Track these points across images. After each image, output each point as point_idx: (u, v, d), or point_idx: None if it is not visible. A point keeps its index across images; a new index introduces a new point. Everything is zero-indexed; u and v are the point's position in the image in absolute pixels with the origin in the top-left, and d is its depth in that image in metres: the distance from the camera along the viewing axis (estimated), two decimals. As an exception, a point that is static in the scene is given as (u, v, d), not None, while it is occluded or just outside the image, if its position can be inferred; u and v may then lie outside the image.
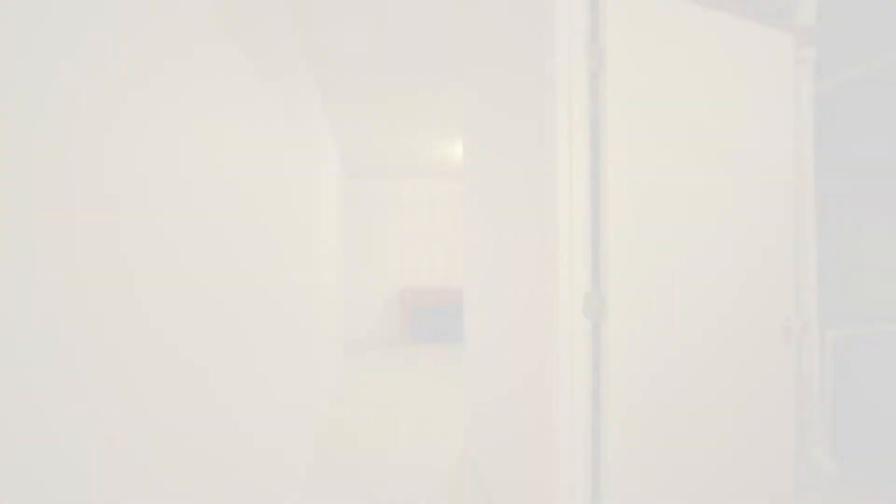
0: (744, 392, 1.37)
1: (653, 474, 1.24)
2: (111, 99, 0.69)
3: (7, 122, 0.51)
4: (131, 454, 0.72)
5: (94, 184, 0.65)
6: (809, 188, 1.71)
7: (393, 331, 6.13)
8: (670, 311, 1.24)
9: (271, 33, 1.66)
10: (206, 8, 1.03)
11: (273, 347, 1.64)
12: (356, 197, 6.07)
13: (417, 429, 2.78)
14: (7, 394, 0.50)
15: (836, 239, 2.21)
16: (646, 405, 1.23)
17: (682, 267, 1.25)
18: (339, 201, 4.66)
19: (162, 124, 0.83)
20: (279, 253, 1.75)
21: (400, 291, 5.63)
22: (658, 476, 1.24)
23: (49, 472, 0.55)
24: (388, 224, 6.13)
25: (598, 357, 1.93)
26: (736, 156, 1.37)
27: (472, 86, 2.28)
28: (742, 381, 1.37)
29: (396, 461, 2.37)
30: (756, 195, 1.40)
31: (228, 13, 1.18)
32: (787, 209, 1.45)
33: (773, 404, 1.42)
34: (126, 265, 0.71)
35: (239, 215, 1.23)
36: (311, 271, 2.59)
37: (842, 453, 1.96)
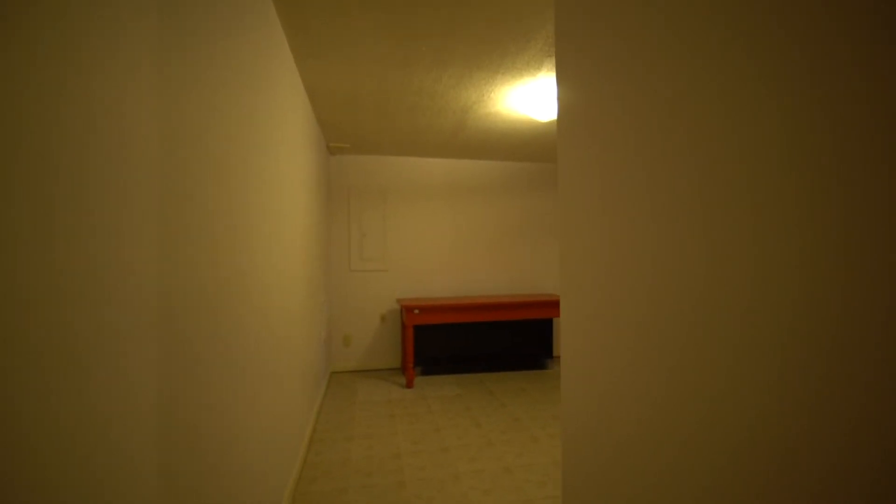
0: None
1: None
2: None
3: None
4: None
5: None
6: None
7: (394, 356, 4.70)
8: None
9: None
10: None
11: None
12: (341, 179, 4.64)
13: None
14: None
15: None
16: None
17: None
18: (314, 184, 3.24)
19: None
20: None
21: (403, 305, 4.22)
22: None
23: None
24: (385, 214, 4.71)
25: None
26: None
27: None
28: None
29: None
30: None
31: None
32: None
33: None
34: None
35: None
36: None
37: None
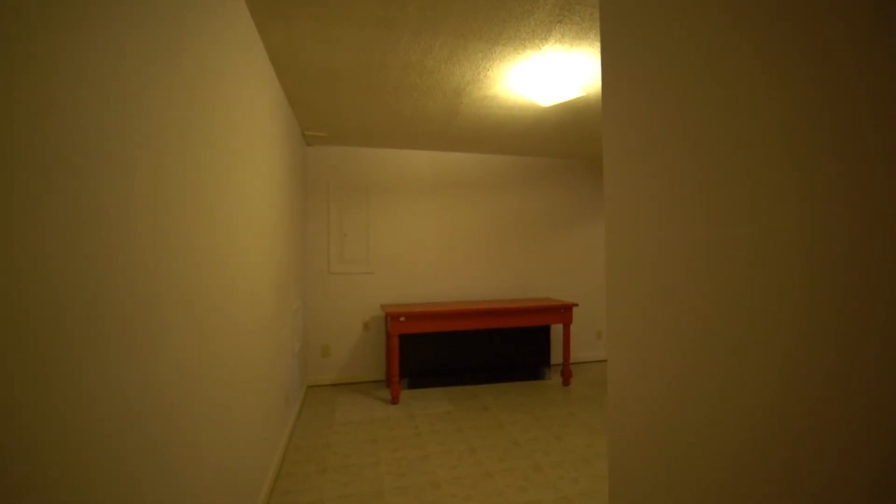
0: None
1: None
2: None
3: None
4: None
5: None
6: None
7: (378, 368, 4.30)
8: None
9: None
10: None
11: None
12: (320, 172, 4.21)
13: None
14: None
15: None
16: None
17: None
18: (286, 175, 2.82)
19: None
20: None
21: (387, 312, 3.81)
22: None
23: None
24: (369, 212, 4.30)
25: None
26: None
27: None
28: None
29: None
30: None
31: None
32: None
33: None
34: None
35: None
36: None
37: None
